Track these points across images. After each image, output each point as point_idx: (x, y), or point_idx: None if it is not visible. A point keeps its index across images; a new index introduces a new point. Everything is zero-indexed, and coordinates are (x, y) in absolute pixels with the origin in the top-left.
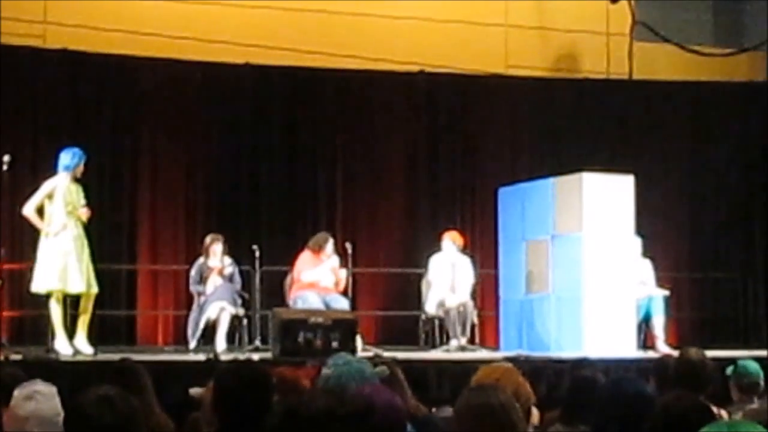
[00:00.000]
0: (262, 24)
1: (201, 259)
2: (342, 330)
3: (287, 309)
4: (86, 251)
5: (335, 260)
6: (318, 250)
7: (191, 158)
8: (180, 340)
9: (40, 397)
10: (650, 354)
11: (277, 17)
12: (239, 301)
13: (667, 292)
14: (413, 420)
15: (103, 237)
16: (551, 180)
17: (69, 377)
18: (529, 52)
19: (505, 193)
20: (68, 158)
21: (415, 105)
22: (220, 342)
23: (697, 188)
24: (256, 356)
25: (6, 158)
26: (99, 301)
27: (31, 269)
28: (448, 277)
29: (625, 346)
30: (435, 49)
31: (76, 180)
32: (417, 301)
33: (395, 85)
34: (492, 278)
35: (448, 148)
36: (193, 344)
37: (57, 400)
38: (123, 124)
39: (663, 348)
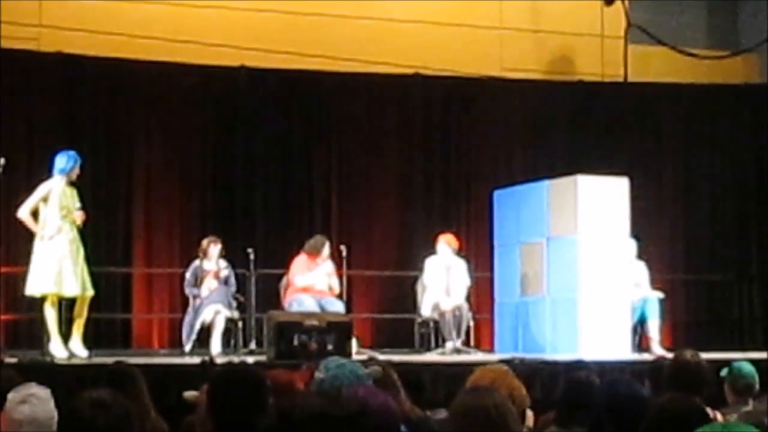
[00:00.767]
0: (257, 27)
1: (196, 262)
2: (337, 333)
3: (282, 312)
4: (81, 254)
5: (330, 265)
6: (314, 253)
7: (186, 161)
8: (175, 343)
9: (35, 401)
10: (645, 356)
11: (273, 20)
12: (234, 304)
13: (661, 295)
14: (408, 422)
15: (99, 240)
16: (546, 182)
17: (64, 380)
18: (524, 55)
19: (500, 196)
20: (64, 161)
21: (410, 107)
22: (215, 345)
23: (692, 190)
24: (251, 359)
25: (1, 161)
26: (94, 304)
27: (25, 273)
28: (443, 279)
29: (620, 349)
30: (430, 52)
31: (71, 183)
32: (412, 303)
33: (391, 87)
34: (487, 280)
35: (443, 150)
36: (188, 347)
37: (52, 404)
38: (118, 127)
39: (658, 350)
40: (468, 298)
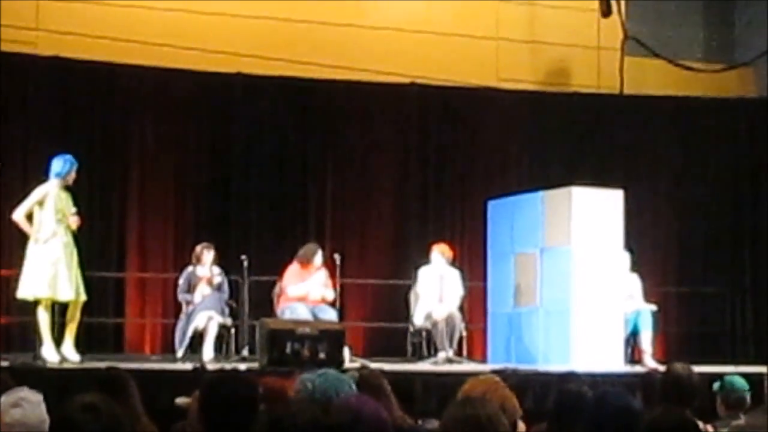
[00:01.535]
0: (254, 34)
1: (189, 268)
2: (329, 341)
3: (275, 319)
4: (75, 259)
5: (324, 274)
6: (306, 262)
7: (181, 167)
8: (167, 348)
9: (26, 405)
10: (637, 368)
11: (269, 27)
12: (227, 311)
13: (654, 307)
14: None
15: (92, 244)
16: (540, 193)
17: (56, 384)
18: (520, 66)
19: (494, 206)
20: (60, 165)
21: (406, 116)
22: (208, 351)
23: (686, 203)
24: (243, 366)
25: None
26: (87, 309)
27: (18, 276)
28: (436, 289)
29: (612, 360)
30: (426, 61)
31: (67, 187)
32: (405, 312)
33: (386, 96)
34: (480, 291)
35: (438, 159)
36: (180, 353)
37: (43, 408)
38: (113, 131)
39: (650, 362)
40: (461, 308)
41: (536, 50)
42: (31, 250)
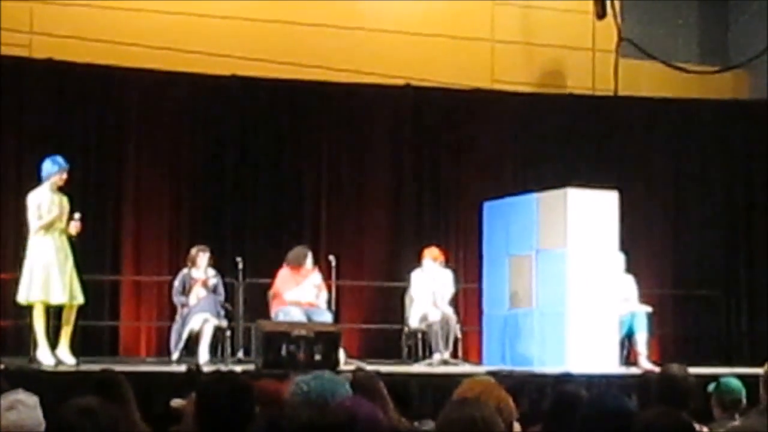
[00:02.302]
0: (249, 36)
1: (185, 270)
2: (325, 343)
3: (270, 321)
4: (70, 262)
5: (317, 277)
6: (298, 266)
7: (176, 169)
8: (163, 351)
9: (22, 408)
10: (633, 370)
11: (264, 29)
12: (222, 313)
13: (650, 309)
14: None
15: (87, 247)
16: (535, 195)
17: (51, 388)
18: (514, 67)
19: (489, 208)
20: (48, 167)
21: (400, 118)
22: (203, 354)
23: (681, 205)
24: (239, 368)
25: None
26: (82, 312)
27: (12, 279)
28: (429, 291)
29: (607, 362)
30: (421, 63)
31: (61, 190)
32: (400, 314)
33: (381, 98)
34: (475, 293)
35: (433, 161)
36: (175, 356)
37: (39, 411)
38: (108, 134)
39: (645, 364)
40: (456, 310)
41: (531, 52)
42: (27, 254)
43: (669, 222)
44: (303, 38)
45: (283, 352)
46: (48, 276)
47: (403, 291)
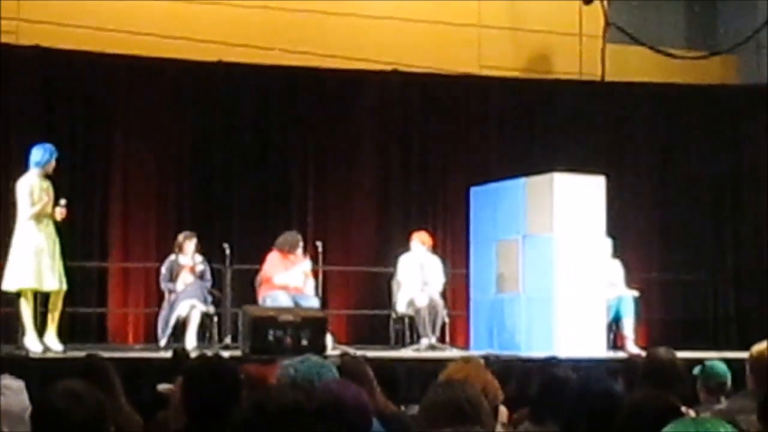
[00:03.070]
0: (235, 22)
1: (172, 257)
2: (312, 328)
3: (257, 307)
4: (58, 249)
5: (308, 264)
6: (288, 252)
7: (163, 156)
8: (150, 338)
9: (8, 392)
10: (620, 354)
11: (251, 15)
12: (210, 299)
13: (636, 293)
14: (382, 417)
15: (75, 234)
16: (523, 180)
17: (38, 374)
18: (501, 53)
19: (476, 193)
20: (39, 154)
21: (387, 104)
22: (191, 340)
23: (668, 190)
24: (226, 354)
25: None
26: (69, 299)
27: (1, 267)
28: (417, 276)
29: (594, 347)
30: (408, 49)
31: (47, 177)
32: (387, 300)
33: (368, 83)
34: (463, 278)
35: (420, 147)
36: (163, 342)
37: (25, 395)
38: (95, 120)
39: (632, 349)
40: (443, 295)
41: (518, 37)
42: (15, 240)
43: (656, 207)
44: (290, 24)
45: (270, 337)
46: (40, 263)
47: (390, 276)
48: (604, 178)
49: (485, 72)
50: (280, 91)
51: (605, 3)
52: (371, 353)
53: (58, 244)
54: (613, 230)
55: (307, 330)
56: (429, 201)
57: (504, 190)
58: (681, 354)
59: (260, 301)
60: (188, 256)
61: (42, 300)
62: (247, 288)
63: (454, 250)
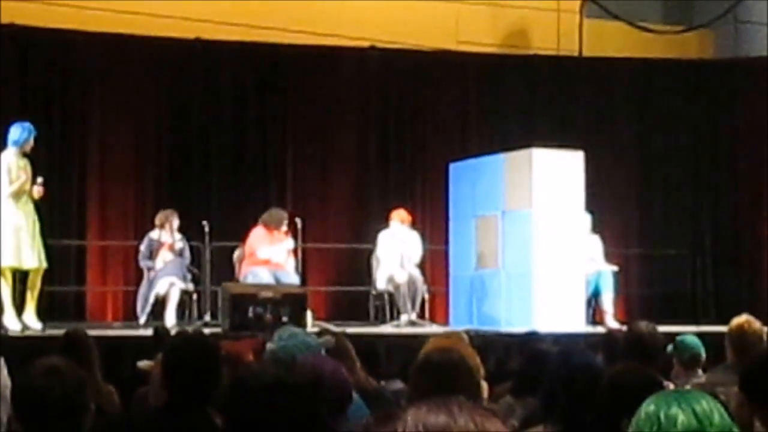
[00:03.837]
0: None
1: (151, 234)
2: (292, 305)
3: (237, 284)
4: (37, 227)
5: (291, 243)
6: (274, 227)
7: (141, 134)
8: (130, 316)
9: None
10: (599, 329)
11: None
12: (189, 277)
13: (616, 268)
14: (363, 392)
15: (53, 212)
16: (501, 156)
17: (18, 353)
18: (479, 28)
19: (455, 169)
20: (17, 133)
21: (365, 80)
22: (170, 317)
23: (646, 165)
24: (206, 331)
25: None
26: (48, 277)
27: None
28: (396, 252)
29: (574, 322)
30: (386, 25)
31: (25, 155)
32: (367, 276)
33: (346, 60)
34: (442, 254)
35: (398, 123)
36: (142, 320)
37: (5, 372)
38: (72, 99)
39: (612, 323)
40: (423, 271)
41: (495, 13)
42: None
43: (634, 182)
44: (266, 1)
45: (250, 314)
46: (19, 241)
47: (369, 253)
48: (582, 153)
49: (463, 48)
50: (257, 68)
51: None
52: (351, 330)
53: (37, 222)
54: (591, 205)
55: (288, 307)
56: (408, 177)
57: (483, 166)
58: (660, 328)
59: (241, 277)
60: (168, 233)
61: (21, 278)
62: (225, 265)
63: (433, 226)
